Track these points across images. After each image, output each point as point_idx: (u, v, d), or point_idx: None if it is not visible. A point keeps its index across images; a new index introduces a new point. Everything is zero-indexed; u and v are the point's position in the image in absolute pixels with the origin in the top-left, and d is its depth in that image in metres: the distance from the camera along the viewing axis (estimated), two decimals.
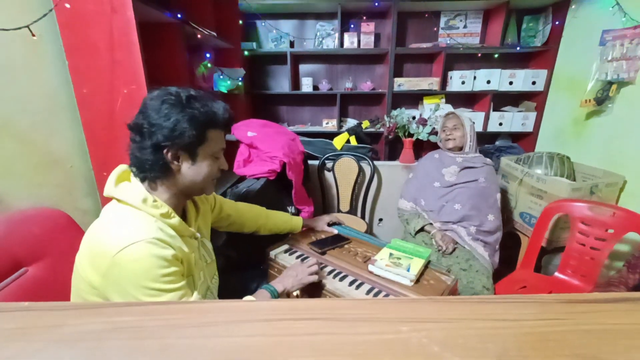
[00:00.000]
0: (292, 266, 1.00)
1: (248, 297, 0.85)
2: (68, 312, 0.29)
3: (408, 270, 0.97)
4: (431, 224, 1.58)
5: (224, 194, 1.53)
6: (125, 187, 0.73)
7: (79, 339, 0.25)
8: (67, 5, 1.02)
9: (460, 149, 1.61)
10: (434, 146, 1.81)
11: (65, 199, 1.15)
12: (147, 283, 0.65)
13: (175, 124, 0.69)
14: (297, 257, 1.14)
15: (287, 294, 0.92)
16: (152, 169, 0.72)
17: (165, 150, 0.70)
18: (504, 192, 1.90)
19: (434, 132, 2.01)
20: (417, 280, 0.98)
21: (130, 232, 0.66)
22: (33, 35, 0.92)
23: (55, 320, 0.28)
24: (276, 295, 0.89)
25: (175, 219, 0.75)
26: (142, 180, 0.74)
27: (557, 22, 2.14)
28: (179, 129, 0.69)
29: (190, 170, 0.75)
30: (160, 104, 0.69)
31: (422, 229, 1.59)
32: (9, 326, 0.27)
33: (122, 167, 0.78)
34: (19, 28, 0.90)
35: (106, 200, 0.74)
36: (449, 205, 1.55)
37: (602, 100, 1.78)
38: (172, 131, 0.69)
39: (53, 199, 1.11)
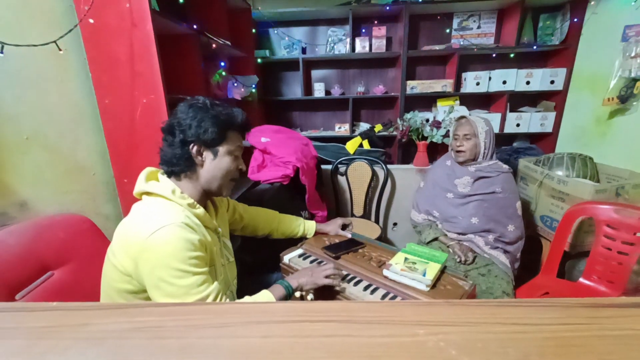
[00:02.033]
0: (309, 266, 1.03)
1: (264, 291, 0.89)
2: (93, 312, 0.30)
3: (424, 275, 0.95)
4: (445, 235, 1.52)
5: (238, 199, 1.55)
6: (155, 183, 0.80)
7: (104, 337, 0.26)
8: (91, 21, 1.07)
9: (473, 159, 1.49)
10: (448, 148, 1.77)
11: (88, 205, 1.20)
12: (176, 264, 0.69)
13: (200, 122, 0.78)
14: (312, 262, 1.14)
15: (300, 291, 0.94)
16: (179, 163, 0.80)
17: (191, 146, 0.79)
18: (522, 194, 1.85)
19: (448, 135, 1.98)
20: (434, 286, 0.96)
21: (162, 217, 0.72)
22: (60, 49, 0.97)
23: (81, 319, 0.29)
24: (290, 290, 0.91)
25: (200, 210, 0.82)
26: (169, 176, 0.82)
27: (575, 19, 2.08)
28: (204, 127, 0.78)
29: (211, 165, 0.82)
30: (188, 107, 0.80)
31: (435, 239, 1.53)
32: (39, 324, 0.29)
33: (149, 169, 0.84)
34: (47, 43, 0.95)
35: (127, 205, 0.78)
36: (465, 218, 1.47)
37: (626, 98, 1.71)
38: (198, 128, 0.78)
39: (77, 205, 1.16)
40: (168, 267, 0.69)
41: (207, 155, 0.82)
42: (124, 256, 0.72)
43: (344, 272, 1.05)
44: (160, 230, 0.69)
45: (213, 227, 0.87)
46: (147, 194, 0.79)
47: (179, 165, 0.80)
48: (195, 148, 0.79)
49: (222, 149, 0.82)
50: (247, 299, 0.85)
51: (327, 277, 0.95)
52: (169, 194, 0.77)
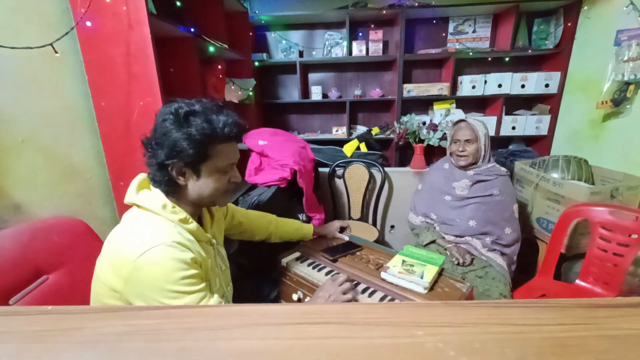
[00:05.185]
0: (324, 286, 0.93)
1: None
2: (88, 315, 0.30)
3: (421, 277, 0.95)
4: (443, 237, 1.52)
5: (235, 202, 1.55)
6: (146, 194, 0.76)
7: (99, 341, 0.26)
8: (88, 23, 1.07)
9: (474, 163, 1.49)
10: (445, 152, 1.77)
11: (84, 208, 1.19)
12: (167, 286, 0.66)
13: (174, 144, 0.70)
14: (309, 265, 1.14)
15: None
16: (162, 182, 0.75)
17: (169, 168, 0.73)
18: (518, 197, 1.86)
19: (445, 138, 1.99)
20: (431, 288, 0.96)
21: (150, 236, 0.68)
22: (56, 52, 0.96)
23: (76, 322, 0.29)
24: None
25: (193, 224, 0.77)
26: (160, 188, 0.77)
27: (569, 24, 2.11)
28: (178, 148, 0.70)
29: (196, 186, 0.76)
30: (162, 122, 0.71)
31: (433, 242, 1.53)
32: (33, 328, 0.28)
33: (142, 176, 0.80)
34: (43, 46, 0.95)
35: (123, 208, 0.77)
36: (462, 221, 1.48)
37: (619, 101, 1.73)
38: (172, 150, 0.70)
39: (73, 208, 1.15)
40: (160, 289, 0.66)
41: (190, 175, 0.75)
42: (112, 274, 0.68)
43: (355, 281, 1.01)
44: (149, 252, 0.65)
45: (207, 240, 0.83)
46: (137, 206, 0.75)
47: (162, 185, 0.75)
48: (174, 170, 0.73)
49: (205, 168, 0.74)
50: None
51: (345, 293, 0.90)
52: (159, 209, 0.72)
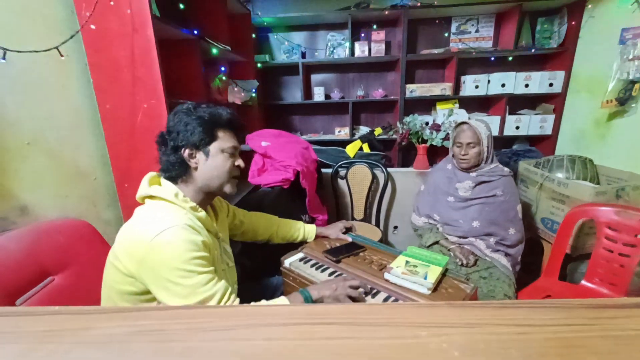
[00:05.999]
0: (333, 279, 0.97)
1: (282, 297, 0.88)
2: (95, 315, 0.30)
3: (425, 278, 0.95)
4: (446, 238, 1.51)
5: (239, 203, 1.55)
6: (158, 187, 0.82)
7: (106, 341, 0.26)
8: (93, 27, 1.08)
9: (476, 165, 1.47)
10: (448, 151, 1.76)
11: (89, 210, 1.20)
12: (180, 265, 0.70)
13: (186, 126, 0.80)
14: (312, 266, 1.14)
15: (320, 302, 0.90)
16: (174, 168, 0.82)
17: (182, 150, 0.81)
18: (522, 196, 1.85)
19: (448, 138, 1.98)
20: (435, 289, 0.96)
21: (165, 219, 0.74)
22: (61, 55, 0.97)
23: (83, 323, 0.29)
24: (310, 301, 0.88)
25: (202, 213, 0.83)
26: (170, 180, 0.84)
27: (573, 22, 2.10)
28: (190, 129, 0.80)
29: (205, 166, 0.84)
30: (174, 114, 0.83)
31: (436, 242, 1.52)
32: (40, 329, 0.29)
33: (152, 174, 0.85)
34: (49, 49, 0.96)
35: (128, 210, 0.78)
36: (466, 222, 1.47)
37: (624, 100, 1.71)
38: (185, 132, 0.80)
39: (78, 210, 1.16)
40: (173, 268, 0.70)
41: (200, 156, 0.83)
42: (127, 258, 0.72)
43: (369, 286, 1.00)
44: (164, 232, 0.70)
45: (214, 231, 0.88)
46: (150, 197, 0.80)
47: (175, 171, 0.82)
48: (186, 152, 0.81)
49: (213, 148, 0.83)
50: (263, 302, 0.84)
51: (350, 293, 0.91)
52: (171, 197, 0.79)
